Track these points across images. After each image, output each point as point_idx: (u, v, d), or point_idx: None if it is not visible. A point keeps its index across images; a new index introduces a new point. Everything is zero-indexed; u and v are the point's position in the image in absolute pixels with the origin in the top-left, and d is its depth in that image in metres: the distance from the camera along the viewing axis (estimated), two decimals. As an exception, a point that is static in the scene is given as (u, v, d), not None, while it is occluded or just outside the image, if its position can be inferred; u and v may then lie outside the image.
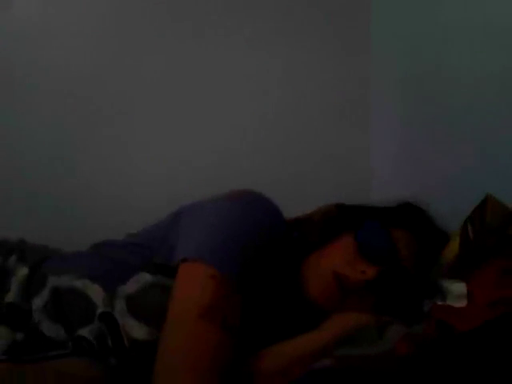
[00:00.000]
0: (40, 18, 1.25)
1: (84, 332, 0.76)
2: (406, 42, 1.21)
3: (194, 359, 0.70)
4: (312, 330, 0.79)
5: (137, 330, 0.77)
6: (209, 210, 0.83)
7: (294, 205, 0.93)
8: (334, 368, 0.71)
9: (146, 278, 0.81)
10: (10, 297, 0.79)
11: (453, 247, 0.80)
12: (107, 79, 1.27)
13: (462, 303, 0.73)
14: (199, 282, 0.74)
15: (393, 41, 1.28)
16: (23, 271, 0.83)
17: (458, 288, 0.75)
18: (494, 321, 0.68)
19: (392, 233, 0.86)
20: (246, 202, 0.83)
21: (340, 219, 0.91)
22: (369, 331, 0.76)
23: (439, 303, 0.76)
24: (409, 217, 0.91)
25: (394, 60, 1.27)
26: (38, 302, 0.80)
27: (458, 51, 1.00)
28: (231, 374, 0.72)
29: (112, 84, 1.27)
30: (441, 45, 1.06)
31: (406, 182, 1.19)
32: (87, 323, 0.77)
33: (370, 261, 0.83)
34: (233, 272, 0.75)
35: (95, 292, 0.79)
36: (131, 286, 0.80)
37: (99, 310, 0.78)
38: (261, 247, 0.80)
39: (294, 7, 1.35)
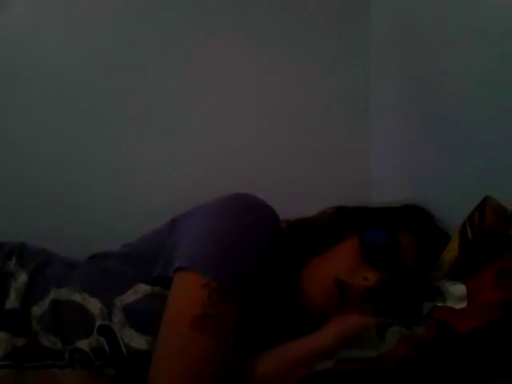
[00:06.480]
0: (37, 19, 1.25)
1: (81, 344, 0.77)
2: (406, 41, 1.21)
3: (185, 369, 0.70)
4: (312, 333, 0.79)
5: (136, 341, 0.77)
6: (201, 217, 0.83)
7: (294, 205, 0.93)
8: (335, 370, 0.72)
9: (144, 288, 0.81)
10: (10, 303, 0.80)
11: (452, 248, 0.80)
12: (106, 81, 1.27)
13: (463, 305, 0.73)
14: (191, 291, 0.74)
15: (393, 41, 1.28)
16: (23, 277, 0.83)
17: (457, 289, 0.74)
18: (494, 322, 0.68)
19: (398, 236, 0.86)
20: (238, 206, 0.82)
21: (343, 222, 0.91)
22: (369, 333, 0.76)
23: (439, 305, 0.76)
24: (415, 220, 0.90)
25: (395, 60, 1.27)
26: (36, 311, 0.80)
27: (460, 51, 1.00)
28: (227, 380, 0.72)
29: (111, 86, 1.27)
30: (442, 45, 1.06)
31: (406, 183, 1.19)
32: (86, 336, 0.78)
33: (375, 265, 0.83)
34: (226, 279, 0.75)
35: (94, 305, 0.80)
36: (129, 297, 0.80)
37: (98, 324, 0.78)
38: (256, 251, 0.79)
39: (293, 8, 1.35)
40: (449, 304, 0.75)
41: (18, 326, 0.78)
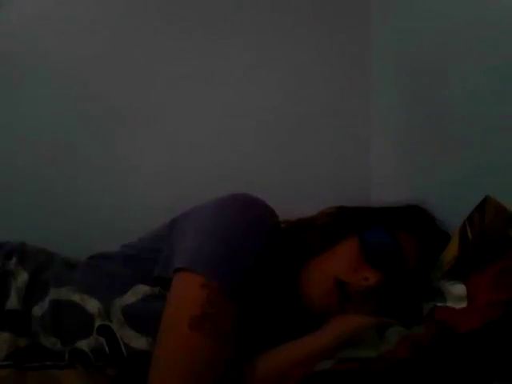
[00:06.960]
0: (37, 18, 1.25)
1: (81, 345, 0.77)
2: (406, 41, 1.21)
3: (185, 369, 0.70)
4: (312, 333, 0.79)
5: (136, 341, 0.77)
6: (200, 217, 0.83)
7: (294, 205, 0.93)
8: (334, 370, 0.72)
9: (144, 289, 0.81)
10: (11, 303, 0.80)
11: (452, 248, 0.80)
12: (106, 80, 1.27)
13: (463, 305, 0.73)
14: (191, 291, 0.74)
15: (393, 40, 1.28)
16: (23, 277, 0.83)
17: (458, 289, 0.75)
18: (494, 322, 0.68)
19: (398, 236, 0.86)
20: (237, 206, 0.82)
21: (343, 222, 0.91)
22: (369, 333, 0.76)
23: (439, 305, 0.76)
24: (415, 220, 0.90)
25: (395, 60, 1.27)
26: (37, 312, 0.80)
27: (460, 51, 1.00)
28: (228, 381, 0.72)
29: (111, 85, 1.27)
30: (443, 44, 1.06)
31: (406, 183, 1.19)
32: (86, 336, 0.78)
33: (375, 265, 0.83)
34: (225, 279, 0.75)
35: (93, 306, 0.80)
36: (129, 298, 0.80)
37: (97, 324, 0.78)
38: (255, 251, 0.79)
39: (292, 7, 1.35)
40: (449, 304, 0.75)
41: (19, 326, 0.78)
